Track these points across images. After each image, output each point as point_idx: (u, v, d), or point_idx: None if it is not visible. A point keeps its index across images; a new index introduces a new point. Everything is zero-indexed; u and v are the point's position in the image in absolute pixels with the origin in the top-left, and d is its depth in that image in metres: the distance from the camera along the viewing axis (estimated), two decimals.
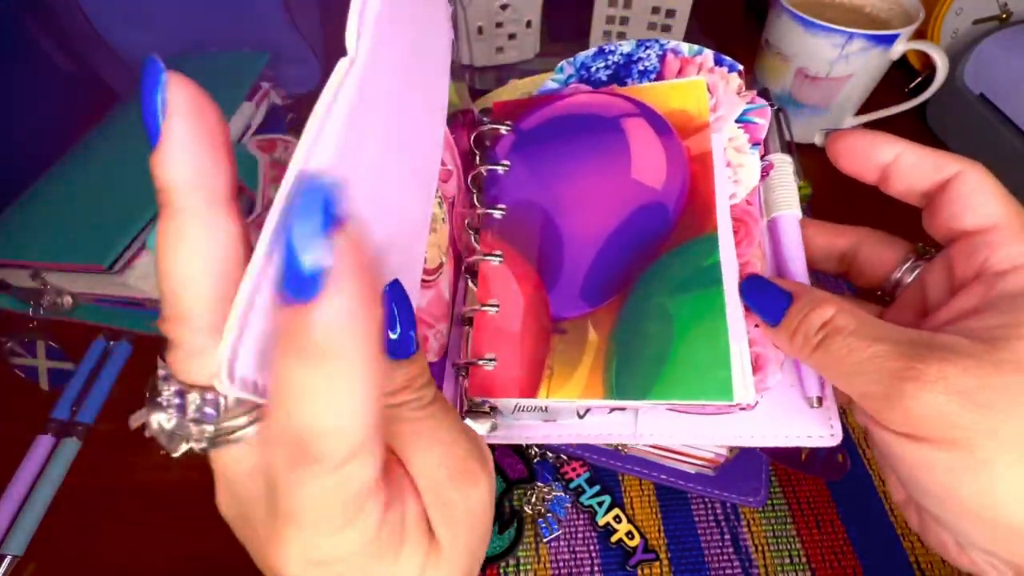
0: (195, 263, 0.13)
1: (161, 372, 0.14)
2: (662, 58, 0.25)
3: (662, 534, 0.32)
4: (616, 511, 0.32)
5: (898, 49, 0.45)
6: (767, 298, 0.21)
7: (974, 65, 0.51)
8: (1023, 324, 0.17)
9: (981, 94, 0.50)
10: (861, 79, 0.48)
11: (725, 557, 0.31)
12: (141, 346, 0.40)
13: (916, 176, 0.21)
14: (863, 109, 0.52)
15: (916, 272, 0.23)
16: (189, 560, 0.31)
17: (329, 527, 0.14)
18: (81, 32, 0.49)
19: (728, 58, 0.24)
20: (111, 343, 0.40)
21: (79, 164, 0.40)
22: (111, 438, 0.36)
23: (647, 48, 0.25)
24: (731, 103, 0.24)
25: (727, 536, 0.32)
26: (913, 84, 0.56)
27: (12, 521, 0.32)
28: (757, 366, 0.21)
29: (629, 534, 0.31)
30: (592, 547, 0.32)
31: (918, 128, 0.56)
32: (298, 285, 0.11)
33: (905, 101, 0.50)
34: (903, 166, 0.22)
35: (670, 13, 0.58)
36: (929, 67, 0.48)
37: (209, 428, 0.14)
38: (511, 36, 0.59)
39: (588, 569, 0.31)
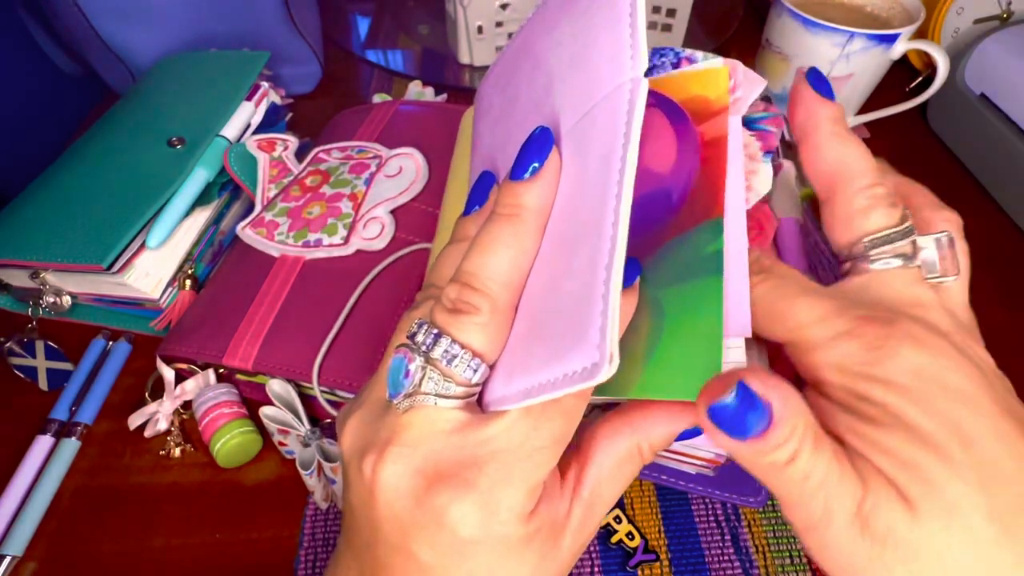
0: (517, 259, 0.19)
1: (433, 330, 0.18)
2: (676, 65, 0.25)
3: (662, 535, 0.32)
4: (616, 511, 0.32)
5: (899, 48, 0.45)
6: (741, 414, 0.16)
7: (975, 65, 0.51)
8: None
9: (982, 94, 0.50)
10: (862, 78, 0.48)
11: (726, 558, 0.31)
12: (140, 346, 0.40)
13: None
14: (864, 108, 0.52)
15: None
16: (188, 560, 0.31)
17: (539, 451, 0.18)
18: (81, 32, 0.49)
19: (749, 70, 0.24)
20: (110, 343, 0.40)
21: (78, 163, 0.40)
22: (110, 438, 0.36)
23: (662, 56, 0.25)
24: (750, 83, 0.23)
25: (728, 537, 0.32)
26: (914, 84, 0.56)
27: (12, 521, 0.32)
28: (773, 365, 0.21)
29: (629, 535, 0.31)
30: (592, 548, 0.32)
31: (919, 128, 0.56)
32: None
33: (906, 100, 0.50)
34: None
35: (671, 12, 0.58)
36: (930, 67, 0.48)
37: (451, 386, 0.18)
38: (511, 36, 0.59)
39: (588, 570, 0.31)
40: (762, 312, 0.19)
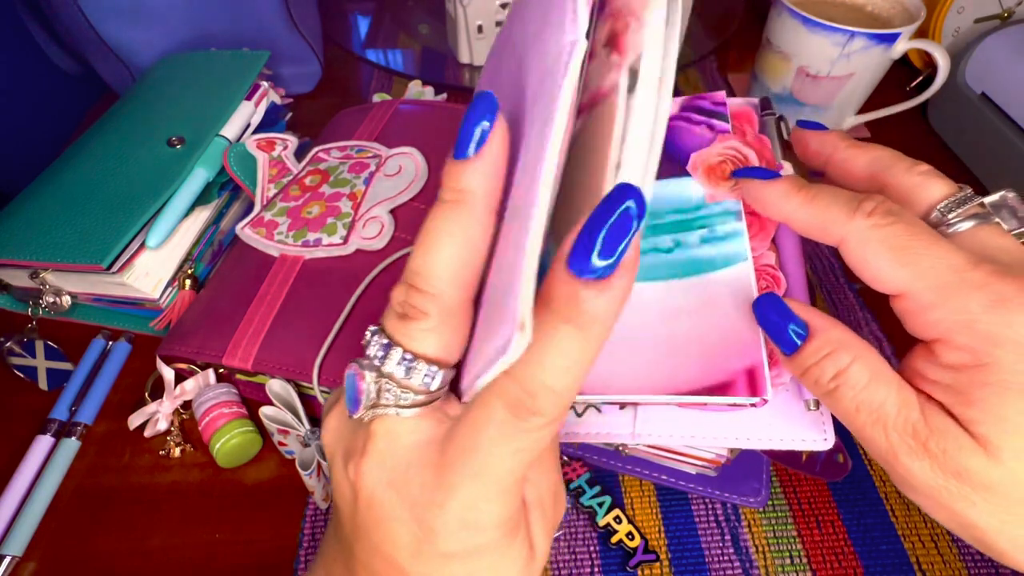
0: (462, 251, 0.16)
1: (383, 340, 0.17)
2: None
3: (663, 535, 0.32)
4: (616, 512, 0.32)
5: (899, 48, 0.45)
6: (782, 325, 0.20)
7: (975, 64, 0.50)
8: (988, 413, 0.17)
9: (982, 93, 0.50)
10: (862, 78, 0.47)
11: (726, 558, 0.31)
12: (140, 346, 0.40)
13: (811, 235, 0.21)
14: (864, 108, 0.52)
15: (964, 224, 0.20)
16: (188, 560, 0.31)
17: (497, 488, 0.16)
18: (81, 32, 0.49)
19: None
20: (110, 343, 0.40)
21: (78, 163, 0.40)
22: (110, 438, 0.36)
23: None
24: None
25: (728, 537, 0.32)
26: (914, 83, 0.56)
27: (12, 521, 0.32)
28: (772, 361, 0.21)
29: (629, 535, 0.31)
30: (592, 548, 0.32)
31: (919, 127, 0.56)
32: (598, 267, 0.14)
33: (906, 100, 0.50)
34: (798, 226, 0.21)
35: None
36: (930, 66, 0.48)
37: (410, 396, 0.17)
38: None
39: (588, 570, 0.31)
40: (890, 255, 0.18)
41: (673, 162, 0.25)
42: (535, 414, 0.15)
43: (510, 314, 0.14)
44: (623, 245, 0.14)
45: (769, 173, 0.22)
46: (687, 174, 0.25)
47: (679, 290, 0.23)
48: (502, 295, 0.16)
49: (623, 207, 0.14)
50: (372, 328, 0.18)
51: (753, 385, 0.20)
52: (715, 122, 0.26)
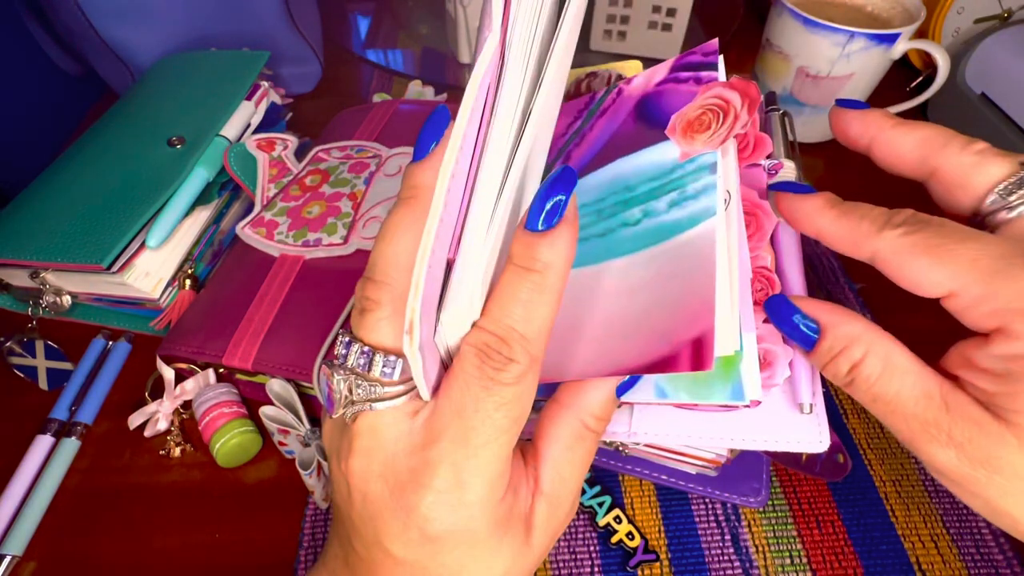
0: (416, 243, 0.17)
1: (345, 338, 0.18)
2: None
3: (663, 535, 0.32)
4: (616, 512, 0.32)
5: (899, 48, 0.45)
6: (793, 325, 0.20)
7: (975, 64, 0.50)
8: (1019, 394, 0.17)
9: (982, 93, 0.50)
10: (862, 78, 0.48)
11: (726, 558, 0.31)
12: (140, 346, 0.40)
13: (844, 250, 0.20)
14: None
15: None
16: (188, 560, 0.31)
17: (485, 451, 0.17)
18: (81, 32, 0.49)
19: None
20: (110, 343, 0.40)
21: (78, 163, 0.40)
22: (110, 438, 0.36)
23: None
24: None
25: (728, 537, 0.32)
26: (914, 83, 0.56)
27: (12, 521, 0.32)
28: (765, 362, 0.21)
29: (629, 535, 0.31)
30: (592, 548, 0.32)
31: None
32: (544, 219, 0.17)
33: (906, 100, 0.50)
34: (830, 241, 0.20)
35: (671, 12, 0.58)
36: (930, 66, 0.48)
37: (380, 389, 0.17)
38: None
39: (588, 570, 0.31)
40: (927, 257, 0.18)
41: (655, 129, 0.23)
42: (510, 360, 0.17)
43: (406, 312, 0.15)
44: (565, 199, 0.17)
45: (803, 188, 0.22)
46: (667, 139, 0.23)
47: (641, 262, 0.21)
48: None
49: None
50: (340, 329, 0.18)
51: (698, 357, 0.18)
52: (703, 74, 0.23)
